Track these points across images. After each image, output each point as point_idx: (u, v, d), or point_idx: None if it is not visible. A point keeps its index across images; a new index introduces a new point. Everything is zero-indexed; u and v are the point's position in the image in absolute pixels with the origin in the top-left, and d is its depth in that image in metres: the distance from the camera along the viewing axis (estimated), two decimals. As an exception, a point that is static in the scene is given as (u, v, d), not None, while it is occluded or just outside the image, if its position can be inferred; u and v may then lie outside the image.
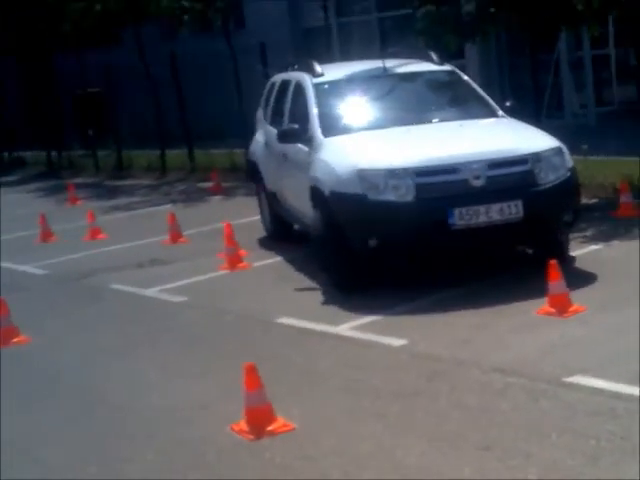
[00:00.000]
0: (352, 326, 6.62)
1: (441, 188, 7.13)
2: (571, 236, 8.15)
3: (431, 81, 9.16)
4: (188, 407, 5.41)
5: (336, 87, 8.83)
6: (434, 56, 9.36)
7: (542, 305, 6.39)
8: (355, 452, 4.55)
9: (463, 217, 7.01)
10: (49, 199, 16.70)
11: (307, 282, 8.03)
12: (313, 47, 23.48)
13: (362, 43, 22.08)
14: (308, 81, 8.85)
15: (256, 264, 9.04)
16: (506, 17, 10.51)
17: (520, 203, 7.06)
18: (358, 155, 7.50)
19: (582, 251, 7.93)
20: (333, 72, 9.13)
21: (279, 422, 4.89)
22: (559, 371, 5.25)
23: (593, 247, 8.13)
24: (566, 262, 7.32)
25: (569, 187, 7.48)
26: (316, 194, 7.72)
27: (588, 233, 8.58)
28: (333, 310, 7.09)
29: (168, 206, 14.13)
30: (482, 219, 7.02)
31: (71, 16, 16.76)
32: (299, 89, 9.04)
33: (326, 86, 8.78)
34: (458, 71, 9.30)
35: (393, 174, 7.14)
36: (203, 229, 11.28)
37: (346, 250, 7.31)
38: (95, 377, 6.24)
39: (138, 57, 17.72)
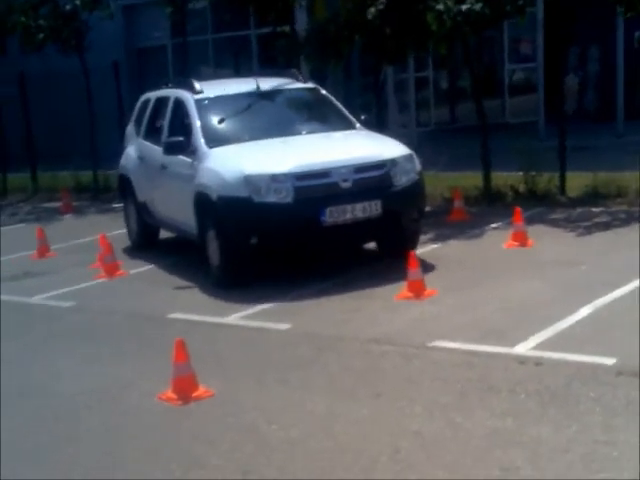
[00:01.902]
0: (239, 316, 7.55)
1: (316, 190, 8.12)
2: (424, 236, 9.55)
3: (298, 97, 10.21)
4: (111, 387, 6.18)
5: (216, 103, 9.62)
6: (297, 74, 10.53)
7: (402, 290, 7.57)
8: (270, 407, 5.49)
9: (332, 215, 8.07)
10: None
11: (184, 283, 8.89)
12: (147, 67, 24.22)
13: (197, 62, 22.96)
14: (189, 97, 9.64)
15: (132, 271, 9.78)
16: (358, 40, 11.69)
17: (379, 202, 8.21)
18: (243, 162, 8.38)
19: (425, 249, 9.18)
20: (211, 89, 9.89)
21: (201, 389, 5.77)
22: (423, 338, 6.41)
23: (434, 246, 9.42)
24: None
25: (418, 188, 8.71)
26: (202, 199, 8.57)
27: (429, 235, 9.86)
28: (218, 304, 7.98)
29: (20, 225, 14.59)
30: (348, 216, 8.12)
31: None
32: (179, 105, 9.82)
33: (206, 102, 9.57)
34: (320, 88, 10.38)
35: (275, 179, 8.10)
36: (65, 245, 11.82)
37: (229, 248, 8.25)
38: (20, 374, 6.83)
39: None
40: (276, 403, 5.57)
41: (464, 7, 10.69)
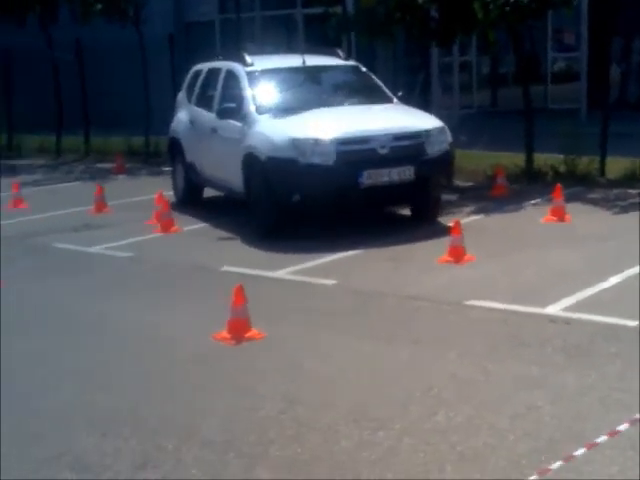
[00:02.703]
0: (288, 271, 8.05)
1: (355, 155, 8.87)
2: (459, 209, 10.02)
3: (340, 73, 11.02)
4: (170, 328, 6.72)
5: (265, 75, 10.37)
6: (340, 53, 11.31)
7: (443, 254, 8.03)
8: (316, 348, 5.99)
9: (370, 177, 8.84)
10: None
11: (230, 235, 9.52)
12: (195, 41, 24.71)
13: (244, 39, 23.43)
14: (241, 69, 10.42)
15: (186, 228, 10.32)
16: (409, 22, 12.13)
17: (413, 168, 8.98)
18: (291, 128, 9.15)
19: (468, 220, 9.59)
20: (261, 63, 10.63)
21: (254, 331, 6.29)
22: (460, 297, 6.87)
23: (476, 217, 9.84)
24: (435, 223, 9.56)
25: (448, 157, 9.47)
26: (251, 160, 9.35)
27: (471, 207, 10.33)
28: (267, 260, 8.48)
29: (76, 183, 15.20)
30: (384, 179, 8.90)
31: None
32: (231, 75, 10.61)
33: (256, 73, 10.33)
34: (361, 66, 11.11)
35: (319, 143, 8.86)
36: (121, 202, 12.39)
37: (274, 204, 9.08)
38: (89, 314, 7.39)
39: (44, 41, 18.45)
40: (322, 345, 6.07)
41: None
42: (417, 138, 9.16)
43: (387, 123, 9.31)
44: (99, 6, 16.54)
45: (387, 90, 10.63)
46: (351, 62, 11.18)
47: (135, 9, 16.94)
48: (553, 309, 6.43)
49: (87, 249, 9.63)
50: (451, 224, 8.52)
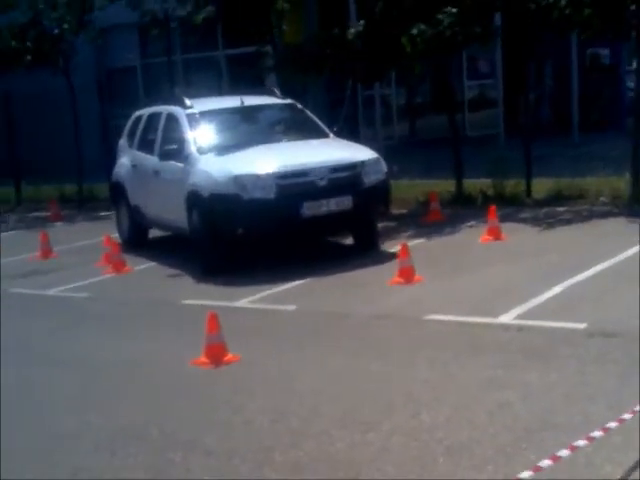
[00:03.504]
0: (248, 300, 8.42)
1: (295, 187, 9.31)
2: (398, 234, 10.55)
3: (277, 111, 11.56)
4: (146, 358, 7.01)
5: (205, 116, 10.80)
6: (277, 92, 11.86)
7: (393, 276, 8.51)
8: (290, 368, 6.37)
9: (310, 208, 9.28)
10: None
11: (188, 277, 9.79)
12: (117, 87, 24.93)
13: (167, 83, 23.76)
14: (181, 111, 10.85)
15: (137, 268, 10.59)
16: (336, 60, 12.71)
17: (350, 198, 9.46)
18: (232, 165, 9.58)
19: (410, 243, 9.99)
20: (200, 105, 11.07)
21: (230, 355, 6.63)
22: (418, 313, 7.35)
23: (415, 241, 10.36)
24: (377, 249, 10.04)
25: (384, 186, 10.02)
26: (194, 197, 9.74)
27: (409, 232, 10.89)
28: (223, 291, 8.82)
29: (12, 232, 15.28)
30: (324, 209, 9.36)
31: None
32: (172, 118, 11.03)
33: (196, 115, 10.75)
34: (297, 103, 11.63)
35: (260, 178, 9.30)
36: (65, 247, 12.55)
37: (217, 240, 9.47)
38: (64, 350, 7.62)
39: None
40: (297, 363, 6.46)
41: (434, 31, 11.76)
42: (353, 169, 9.62)
43: (324, 156, 9.76)
44: (29, 57, 16.74)
45: (323, 125, 11.13)
46: (287, 100, 11.64)
47: (64, 59, 17.17)
48: (505, 318, 6.95)
49: (43, 292, 9.83)
50: (398, 247, 9.01)
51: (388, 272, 8.74)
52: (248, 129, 10.96)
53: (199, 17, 16.36)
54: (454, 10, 11.93)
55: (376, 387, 5.78)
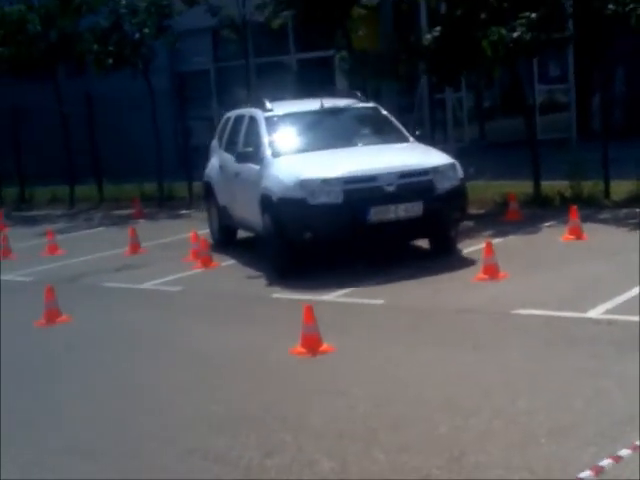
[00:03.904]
0: (337, 295, 8.71)
1: (362, 192, 9.29)
2: (478, 234, 10.73)
3: (357, 114, 11.52)
4: (250, 345, 7.36)
5: (283, 119, 11.00)
6: (359, 95, 11.82)
7: (477, 273, 8.73)
8: (387, 356, 6.65)
9: (377, 214, 9.24)
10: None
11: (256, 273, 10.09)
12: (191, 90, 25.49)
13: (239, 86, 24.22)
14: (260, 115, 11.01)
15: (223, 264, 10.97)
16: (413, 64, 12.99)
17: (421, 204, 9.33)
18: (300, 169, 9.63)
19: (492, 242, 10.29)
20: (280, 107, 11.27)
21: (326, 345, 6.93)
22: (506, 308, 7.57)
23: (498, 240, 10.49)
24: (455, 253, 9.90)
25: (459, 193, 9.81)
26: (266, 200, 9.82)
27: (489, 231, 11.07)
28: (311, 286, 9.09)
29: (100, 229, 15.84)
30: (391, 215, 9.28)
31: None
32: (252, 121, 11.20)
33: (275, 118, 10.93)
34: (379, 107, 11.59)
35: (327, 182, 9.31)
36: (152, 243, 13.00)
37: (287, 243, 9.48)
38: (169, 340, 8.03)
39: (54, 95, 19.17)
40: (392, 354, 6.73)
41: (515, 35, 11.96)
42: (425, 175, 9.51)
43: (394, 161, 9.70)
44: (110, 60, 17.33)
45: (404, 130, 11.08)
46: (370, 104, 11.60)
47: (144, 62, 17.74)
48: (594, 313, 7.13)
49: (137, 286, 10.25)
50: (478, 246, 9.22)
51: (471, 270, 8.96)
52: (325, 133, 10.97)
53: (277, 22, 16.78)
54: (533, 15, 12.10)
55: (473, 376, 6.02)
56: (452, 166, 9.81)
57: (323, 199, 9.26)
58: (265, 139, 10.54)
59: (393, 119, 11.38)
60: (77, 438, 5.66)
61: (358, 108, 11.49)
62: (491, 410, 5.34)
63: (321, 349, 6.90)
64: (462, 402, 5.54)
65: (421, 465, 4.69)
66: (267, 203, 9.80)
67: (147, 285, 10.22)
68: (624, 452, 4.24)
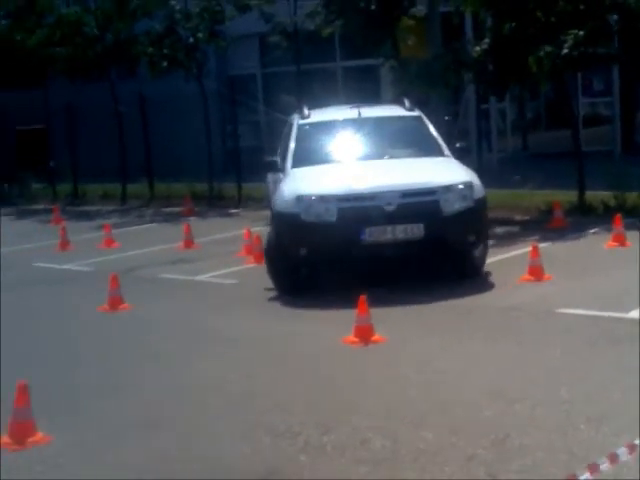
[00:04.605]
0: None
1: (358, 211, 8.81)
2: (524, 239, 11.04)
3: (396, 124, 10.80)
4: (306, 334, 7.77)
5: (316, 128, 10.53)
6: (407, 103, 11.00)
7: (523, 275, 9.06)
8: (433, 349, 7.01)
9: (372, 234, 8.74)
10: (27, 221, 18.48)
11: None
12: (239, 93, 26.03)
13: (284, 92, 24.69)
14: (295, 122, 10.68)
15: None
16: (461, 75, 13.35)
17: (422, 226, 8.71)
18: (300, 183, 9.32)
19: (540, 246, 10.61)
20: (319, 115, 10.92)
21: (377, 336, 7.31)
22: (551, 307, 7.91)
23: (542, 244, 10.79)
24: (480, 275, 9.29)
25: (472, 214, 8.96)
26: (271, 213, 9.71)
27: (535, 237, 11.34)
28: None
29: (152, 224, 16.37)
30: (388, 236, 8.76)
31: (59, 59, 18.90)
32: (289, 128, 10.88)
33: (307, 127, 10.49)
34: (423, 117, 10.77)
35: (323, 199, 8.89)
36: (205, 239, 13.46)
37: (285, 257, 9.11)
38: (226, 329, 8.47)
39: (107, 96, 19.78)
40: (439, 346, 7.10)
41: (563, 52, 12.28)
42: (430, 195, 8.87)
43: (399, 179, 9.10)
44: (165, 63, 17.90)
45: (442, 142, 10.29)
46: (414, 112, 10.79)
47: (197, 65, 18.27)
48: (636, 314, 7.43)
49: (193, 278, 10.70)
50: (525, 249, 9.54)
51: (517, 272, 9.28)
52: (354, 143, 10.50)
53: (327, 30, 17.23)
54: (581, 33, 12.40)
55: (517, 368, 6.36)
56: (467, 186, 9.06)
57: (317, 216, 8.87)
58: (292, 148, 10.20)
59: (433, 130, 10.57)
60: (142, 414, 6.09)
61: (399, 117, 10.83)
62: (534, 399, 5.67)
63: (373, 339, 7.28)
64: (507, 391, 5.87)
65: (467, 446, 5.03)
66: (271, 216, 9.62)
67: (202, 277, 10.67)
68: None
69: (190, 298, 9.78)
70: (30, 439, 5.51)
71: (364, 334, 7.29)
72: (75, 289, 10.73)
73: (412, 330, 7.66)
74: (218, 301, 9.48)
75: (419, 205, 8.83)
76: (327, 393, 6.16)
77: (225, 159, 21.32)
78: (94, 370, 7.18)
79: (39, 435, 5.57)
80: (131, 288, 9.95)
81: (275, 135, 23.82)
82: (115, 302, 9.25)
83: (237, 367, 6.97)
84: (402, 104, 11.00)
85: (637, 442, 4.39)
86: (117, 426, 5.82)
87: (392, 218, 8.75)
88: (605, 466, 4.10)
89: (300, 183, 9.33)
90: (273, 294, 9.45)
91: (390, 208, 8.77)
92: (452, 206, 8.88)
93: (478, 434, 5.19)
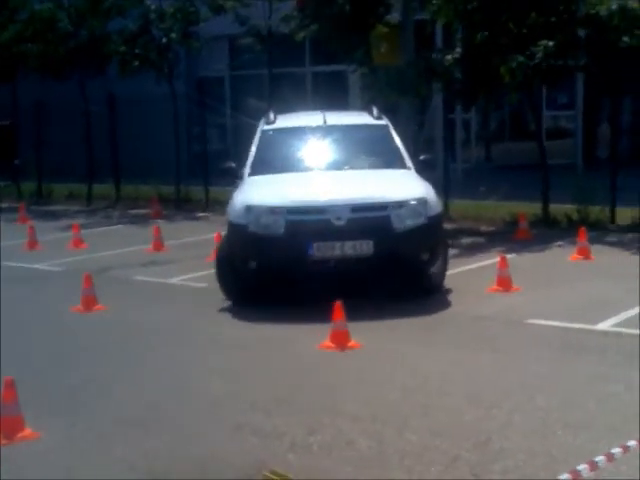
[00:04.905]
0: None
1: (306, 225, 8.58)
2: (488, 250, 11.28)
3: (361, 133, 10.39)
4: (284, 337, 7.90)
5: (279, 134, 10.21)
6: (375, 111, 10.59)
7: (491, 285, 9.29)
8: (408, 354, 7.18)
9: (320, 250, 8.46)
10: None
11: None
12: (207, 96, 26.07)
13: (251, 96, 24.80)
14: (260, 127, 10.40)
15: (247, 264, 11.49)
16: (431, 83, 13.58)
17: (371, 242, 8.45)
18: (251, 193, 9.09)
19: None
20: (285, 121, 10.63)
21: (353, 342, 7.46)
22: (520, 317, 8.14)
23: (508, 256, 11.01)
24: (439, 292, 9.09)
25: (425, 232, 8.69)
26: (226, 222, 9.35)
27: (500, 248, 11.58)
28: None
29: (118, 226, 16.36)
30: (337, 252, 8.48)
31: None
32: (255, 133, 10.47)
33: (270, 132, 10.19)
34: (390, 126, 10.36)
35: (272, 211, 8.65)
36: (174, 242, 13.52)
37: (234, 270, 8.94)
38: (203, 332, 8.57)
39: (75, 94, 19.74)
40: (412, 353, 7.28)
41: (534, 62, 12.56)
42: (381, 210, 8.61)
43: (351, 192, 8.84)
44: (136, 63, 17.93)
45: (405, 154, 9.99)
46: (382, 121, 10.41)
47: (169, 66, 18.34)
48: (603, 326, 7.70)
49: (166, 281, 10.77)
50: (496, 259, 9.77)
51: (484, 283, 9.50)
52: (314, 152, 10.23)
53: (301, 35, 17.37)
54: (551, 43, 12.68)
55: (493, 375, 6.57)
56: (421, 202, 8.77)
57: (265, 228, 8.65)
58: (251, 154, 9.98)
59: (398, 141, 10.19)
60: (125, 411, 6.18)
61: (365, 126, 10.44)
62: (511, 405, 5.87)
63: (349, 345, 7.43)
64: (484, 397, 6.06)
65: (450, 448, 5.20)
66: (227, 225, 9.29)
67: (174, 280, 10.74)
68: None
69: (163, 300, 9.85)
70: (19, 434, 5.58)
71: (340, 340, 7.44)
72: (46, 289, 10.74)
73: (386, 338, 7.80)
74: (192, 304, 9.55)
75: (369, 220, 8.57)
76: (309, 396, 6.30)
77: (191, 162, 21.39)
78: (76, 369, 7.25)
79: (28, 431, 5.64)
80: (104, 289, 9.98)
81: (242, 139, 24.05)
82: (89, 302, 9.28)
83: (217, 369, 7.08)
84: (370, 112, 10.67)
85: (630, 443, 4.62)
86: (101, 424, 5.91)
87: (341, 233, 8.49)
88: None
89: (251, 193, 9.11)
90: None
91: (339, 223, 8.52)
92: (404, 222, 8.63)
93: (460, 437, 5.37)
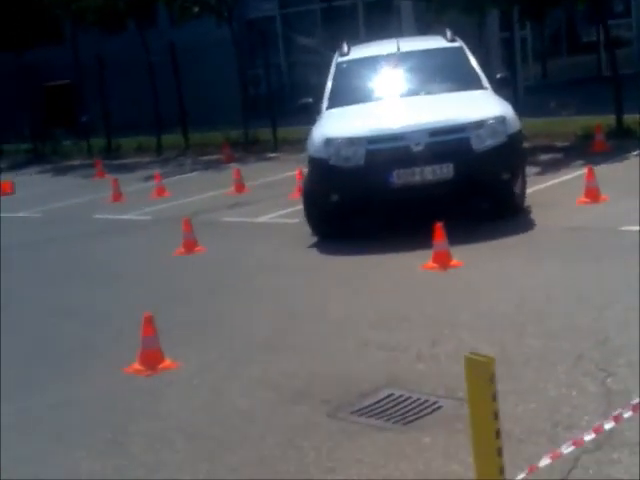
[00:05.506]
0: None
1: (386, 153, 8.59)
2: (570, 163, 11.37)
3: (435, 57, 10.32)
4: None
5: (353, 65, 10.22)
6: (448, 34, 10.55)
7: (580, 197, 9.45)
8: (506, 268, 7.43)
9: (400, 177, 8.50)
10: (67, 177, 18.88)
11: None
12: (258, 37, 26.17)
13: (304, 32, 24.80)
14: (334, 60, 10.41)
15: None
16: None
17: (451, 165, 8.45)
18: (330, 126, 9.10)
19: (584, 170, 10.87)
20: (358, 51, 10.61)
21: (454, 261, 7.73)
22: (613, 225, 8.34)
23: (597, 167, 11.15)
24: (518, 213, 9.07)
25: (506, 150, 8.64)
26: (307, 158, 9.43)
27: (580, 161, 11.70)
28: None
29: (194, 173, 16.73)
30: (417, 178, 8.51)
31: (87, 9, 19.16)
32: (329, 67, 10.50)
33: (344, 65, 10.23)
34: (464, 48, 10.36)
35: (350, 142, 8.67)
36: (253, 183, 13.82)
37: (317, 203, 9.05)
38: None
39: (136, 47, 20.02)
40: (516, 266, 7.52)
41: None
42: (459, 132, 8.59)
43: (429, 117, 8.79)
44: (196, 9, 18.12)
45: (482, 75, 9.95)
46: (455, 44, 10.37)
47: (228, 9, 18.49)
48: (699, 226, 7.85)
49: (255, 219, 11.11)
50: (571, 175, 9.85)
51: (572, 195, 9.63)
52: (389, 80, 10.16)
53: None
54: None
55: (596, 281, 6.80)
56: (500, 120, 8.73)
57: (345, 160, 8.67)
58: (328, 88, 9.97)
59: (473, 62, 10.15)
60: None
61: (440, 50, 10.35)
62: (622, 306, 6.10)
63: (451, 263, 7.70)
64: (594, 300, 6.31)
65: (572, 348, 5.46)
66: (307, 162, 9.36)
67: (263, 219, 11.07)
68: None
69: (256, 238, 10.18)
70: (160, 365, 5.99)
71: (442, 259, 7.71)
72: (143, 237, 11.16)
73: (486, 255, 8.05)
74: (286, 240, 9.83)
75: (448, 143, 8.55)
76: (424, 312, 6.60)
77: (251, 104, 21.59)
78: (196, 305, 7.64)
79: (167, 361, 6.04)
80: (198, 233, 10.33)
81: (297, 77, 24.13)
82: (190, 245, 9.67)
83: (330, 296, 7.40)
84: (444, 35, 10.60)
85: None
86: (232, 351, 6.28)
87: (421, 158, 8.48)
88: None
89: (330, 126, 9.14)
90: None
91: (418, 148, 8.50)
92: (484, 142, 8.57)
93: (579, 337, 5.62)
